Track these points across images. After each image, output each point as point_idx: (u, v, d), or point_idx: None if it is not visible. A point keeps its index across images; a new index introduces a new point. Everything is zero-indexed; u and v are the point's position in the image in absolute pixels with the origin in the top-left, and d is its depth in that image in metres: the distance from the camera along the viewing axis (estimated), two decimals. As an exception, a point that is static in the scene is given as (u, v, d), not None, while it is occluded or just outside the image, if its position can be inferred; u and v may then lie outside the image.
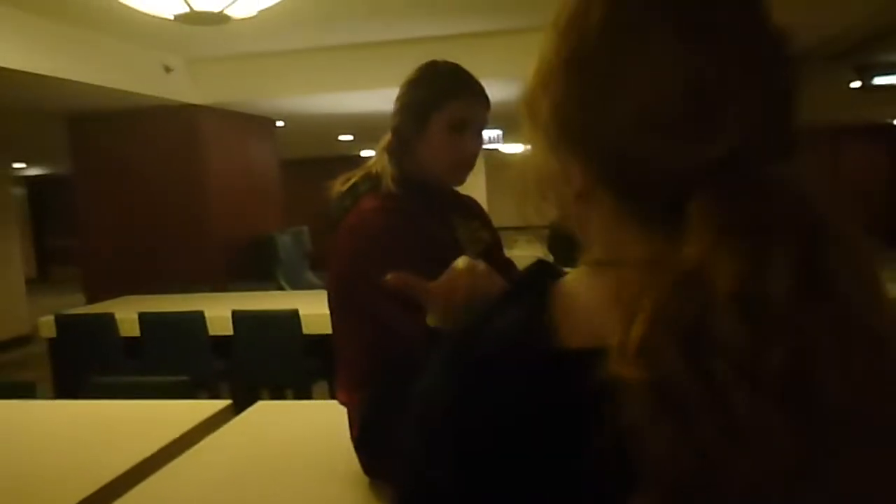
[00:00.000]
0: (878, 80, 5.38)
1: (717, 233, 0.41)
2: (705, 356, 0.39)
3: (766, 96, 0.46)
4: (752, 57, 0.46)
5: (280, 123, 7.33)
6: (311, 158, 12.17)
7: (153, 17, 2.58)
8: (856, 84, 5.58)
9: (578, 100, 0.48)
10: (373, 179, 1.50)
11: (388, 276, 1.01)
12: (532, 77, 0.53)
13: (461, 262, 0.96)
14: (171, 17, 2.46)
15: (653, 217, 0.46)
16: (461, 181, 1.52)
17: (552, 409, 0.45)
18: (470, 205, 1.67)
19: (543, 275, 0.54)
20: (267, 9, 2.64)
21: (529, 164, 0.54)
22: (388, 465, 1.47)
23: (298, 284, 6.21)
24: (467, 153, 1.46)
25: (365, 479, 1.49)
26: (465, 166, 1.48)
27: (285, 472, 1.61)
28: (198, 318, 3.78)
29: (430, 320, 1.01)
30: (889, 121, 11.93)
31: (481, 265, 1.05)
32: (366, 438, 1.49)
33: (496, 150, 12.74)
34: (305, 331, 3.68)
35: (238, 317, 3.75)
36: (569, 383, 0.45)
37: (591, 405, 0.41)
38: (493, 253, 1.64)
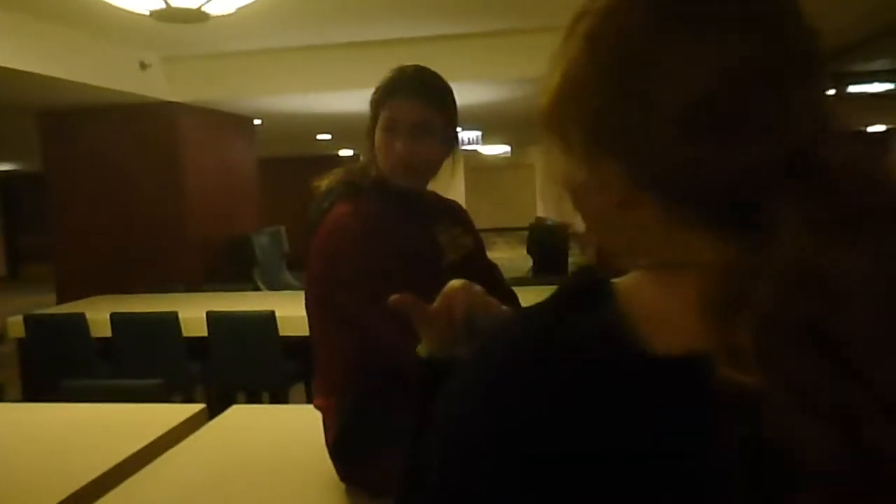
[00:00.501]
0: (852, 89, 5.47)
1: (819, 228, 0.41)
2: (843, 356, 0.39)
3: (823, 83, 0.46)
4: (806, 45, 0.46)
5: (258, 122, 7.27)
6: (289, 157, 12.10)
7: (129, 12, 2.54)
8: (831, 92, 5.65)
9: (622, 104, 0.47)
10: (351, 182, 1.49)
11: (391, 299, 0.99)
12: (556, 87, 0.51)
13: (456, 282, 0.95)
14: (147, 13, 2.42)
15: (717, 218, 0.45)
16: (411, 183, 1.48)
17: (658, 417, 0.44)
18: (453, 209, 1.66)
19: (595, 281, 0.52)
20: (245, 7, 2.62)
21: (559, 176, 0.53)
22: (363, 473, 1.45)
23: (275, 285, 6.16)
24: (395, 154, 1.42)
25: (341, 486, 1.48)
26: (403, 167, 1.44)
27: (260, 479, 1.59)
28: (171, 320, 3.73)
29: (423, 346, 0.99)
30: (862, 128, 12.14)
31: (476, 285, 1.04)
32: (342, 445, 1.47)
33: (475, 151, 12.77)
34: (282, 332, 3.64)
35: (213, 318, 3.70)
36: (672, 390, 0.43)
37: (701, 412, 0.40)
38: (475, 258, 1.64)
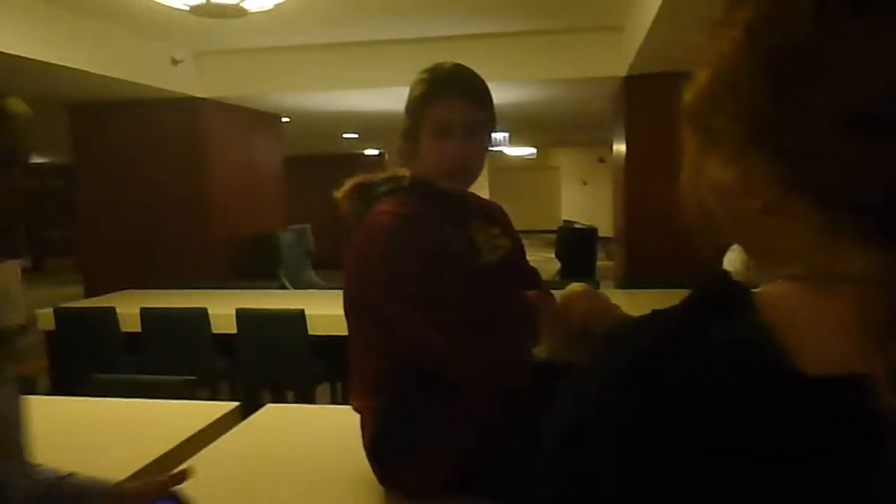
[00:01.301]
0: None
1: None
2: None
3: None
4: None
5: (285, 119, 7.28)
6: (314, 155, 12.13)
7: (162, 7, 2.53)
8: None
9: (782, 103, 0.43)
10: (390, 182, 1.47)
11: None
12: (707, 82, 0.48)
13: (576, 285, 0.92)
14: (187, 9, 2.41)
15: (873, 228, 0.42)
16: (460, 184, 1.47)
17: (813, 441, 0.40)
18: (491, 210, 1.63)
19: (732, 289, 0.49)
20: (279, 3, 2.60)
21: (701, 181, 0.50)
22: (401, 475, 1.43)
23: (300, 283, 6.16)
24: (451, 156, 1.40)
25: (379, 488, 1.45)
26: (455, 170, 1.42)
27: (297, 479, 1.57)
28: (201, 316, 3.73)
29: (543, 348, 0.96)
30: None
31: (596, 290, 1.00)
32: (379, 446, 1.45)
33: (500, 152, 12.73)
34: (310, 332, 3.62)
35: (242, 315, 3.69)
36: (828, 413, 0.40)
37: (860, 438, 0.38)
38: (514, 260, 1.60)
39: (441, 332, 1.33)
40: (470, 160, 1.42)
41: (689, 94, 0.50)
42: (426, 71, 1.46)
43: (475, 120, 1.41)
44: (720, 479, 0.41)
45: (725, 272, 0.51)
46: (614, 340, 0.52)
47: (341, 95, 6.04)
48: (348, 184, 1.49)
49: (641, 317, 0.52)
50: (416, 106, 1.42)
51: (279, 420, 2.01)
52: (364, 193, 1.46)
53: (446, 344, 1.33)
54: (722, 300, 0.47)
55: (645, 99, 5.16)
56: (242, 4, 2.45)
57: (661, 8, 3.19)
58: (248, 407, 2.09)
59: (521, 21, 4.87)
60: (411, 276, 1.33)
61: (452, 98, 1.40)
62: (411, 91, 1.45)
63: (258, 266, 6.22)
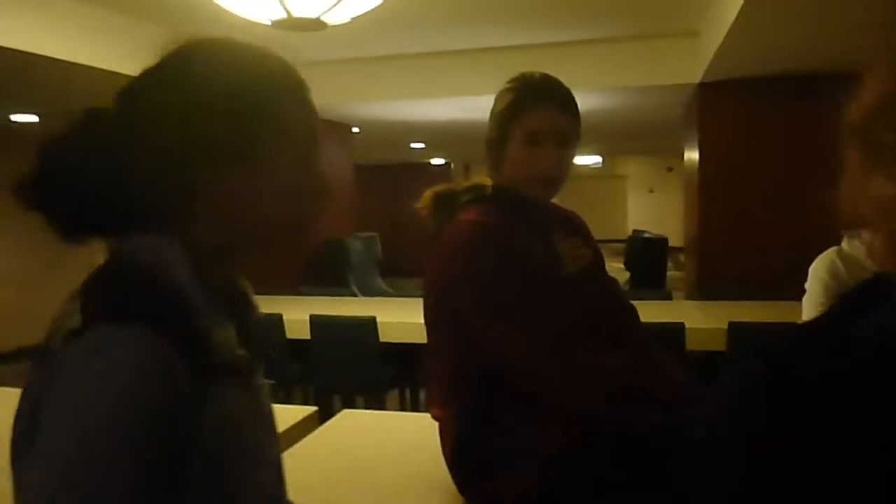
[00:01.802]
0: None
1: None
2: None
3: None
4: None
5: (355, 129, 7.40)
6: (382, 165, 12.26)
7: (241, 21, 2.61)
8: None
9: None
10: (472, 191, 1.47)
11: None
12: (873, 100, 0.48)
13: None
14: (269, 23, 2.48)
15: None
16: (547, 195, 1.47)
17: None
18: (572, 220, 1.62)
19: (877, 287, 0.50)
20: (356, 17, 2.65)
21: (863, 195, 0.49)
22: (481, 485, 1.42)
23: (369, 291, 6.24)
24: (541, 166, 1.40)
25: (459, 497, 1.45)
26: (543, 180, 1.43)
27: (377, 486, 1.58)
28: (275, 321, 3.82)
29: None
30: None
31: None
32: (459, 456, 1.45)
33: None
34: (381, 339, 3.66)
35: (316, 321, 3.76)
36: None
37: None
38: (595, 271, 1.59)
39: (525, 344, 1.32)
40: (560, 169, 1.43)
41: (855, 110, 0.49)
42: (513, 80, 1.47)
43: (566, 129, 1.43)
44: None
45: (879, 275, 0.51)
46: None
47: (410, 105, 6.11)
48: (429, 193, 1.51)
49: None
50: (506, 115, 1.42)
51: (355, 425, 2.04)
52: (446, 202, 1.48)
53: (532, 358, 1.32)
54: (863, 298, 0.46)
55: (719, 106, 5.04)
56: (322, 18, 2.51)
57: (742, 11, 3.11)
58: (321, 411, 2.12)
59: (593, 29, 4.82)
60: (498, 287, 1.33)
61: (545, 107, 1.41)
62: (498, 101, 1.46)
63: (328, 273, 6.33)
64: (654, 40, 5.01)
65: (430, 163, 12.95)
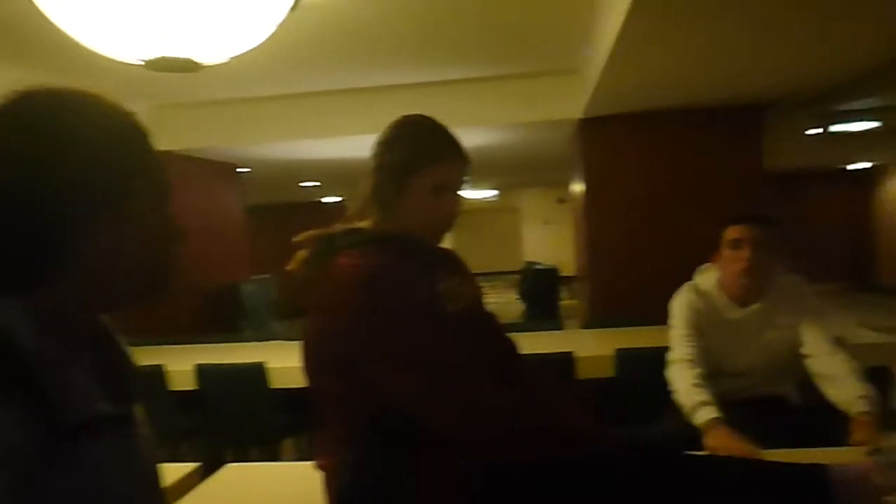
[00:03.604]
0: (837, 128, 5.55)
1: None
2: None
3: None
4: None
5: (246, 170, 7.24)
6: (275, 204, 12.07)
7: (116, 64, 2.51)
8: (815, 131, 5.76)
9: None
10: (352, 234, 1.45)
11: None
12: None
13: None
14: (142, 63, 2.38)
15: None
16: (441, 241, 1.51)
17: None
18: (451, 260, 1.63)
19: None
20: (234, 57, 2.59)
21: None
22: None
23: (265, 335, 6.03)
24: (449, 215, 1.47)
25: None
26: (446, 228, 1.49)
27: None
28: (157, 373, 3.62)
29: None
30: (845, 165, 12.35)
31: None
32: (346, 506, 1.40)
33: (463, 196, 12.80)
34: (274, 385, 3.54)
35: (202, 371, 3.60)
36: None
37: None
38: (476, 308, 1.60)
39: (421, 389, 1.30)
40: (457, 217, 1.49)
41: None
42: (400, 129, 1.47)
43: (464, 179, 1.49)
44: None
45: None
46: None
47: (301, 145, 6.05)
48: (307, 235, 1.48)
49: None
50: (408, 165, 1.42)
51: (239, 480, 1.94)
52: (325, 245, 1.45)
53: (428, 401, 1.31)
54: None
55: (601, 140, 5.26)
56: (196, 59, 2.43)
57: (613, 51, 3.27)
58: (212, 466, 2.02)
59: (479, 68, 4.95)
60: (387, 333, 1.32)
61: (455, 160, 1.46)
62: (386, 150, 1.45)
63: (221, 318, 6.11)
64: (538, 78, 5.20)
65: (323, 201, 12.85)
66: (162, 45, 2.29)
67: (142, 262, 0.87)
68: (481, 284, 1.70)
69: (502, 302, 9.33)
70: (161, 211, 0.91)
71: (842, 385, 2.11)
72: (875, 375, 2.78)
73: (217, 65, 2.60)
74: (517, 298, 8.60)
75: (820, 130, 5.64)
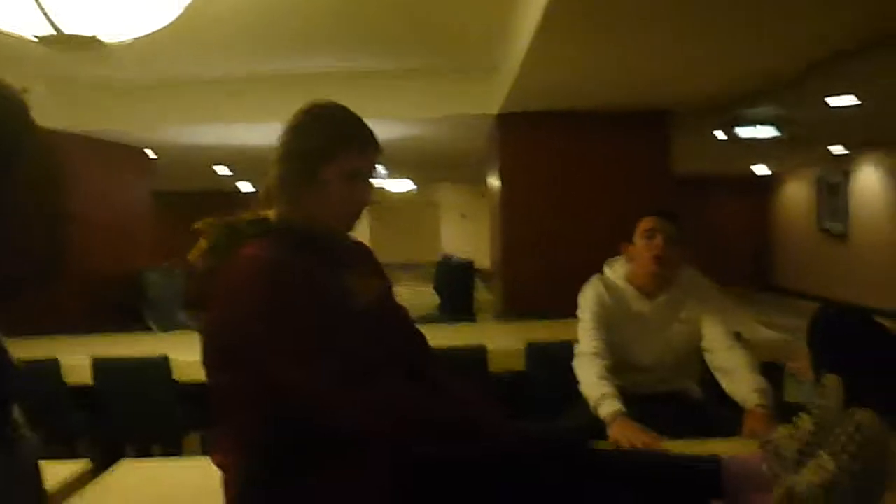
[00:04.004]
0: (742, 133, 5.81)
1: None
2: None
3: None
4: None
5: (153, 155, 6.96)
6: (188, 192, 11.68)
7: (12, 35, 2.36)
8: (722, 136, 6.01)
9: None
10: (258, 224, 1.41)
11: None
12: None
13: None
14: (35, 40, 2.24)
15: None
16: (352, 229, 1.48)
17: None
18: (360, 251, 1.61)
19: None
20: (144, 36, 2.48)
21: None
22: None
23: (170, 326, 5.81)
24: (362, 202, 1.44)
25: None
26: (357, 215, 1.46)
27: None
28: (52, 366, 3.43)
29: None
30: (747, 171, 12.97)
31: None
32: (245, 504, 1.36)
33: (381, 188, 12.75)
34: (178, 378, 3.41)
35: (100, 365, 3.43)
36: None
37: None
38: (385, 300, 1.58)
39: (323, 383, 1.27)
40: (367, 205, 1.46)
41: None
42: (310, 115, 1.43)
43: (376, 167, 1.47)
44: None
45: None
46: None
47: (212, 130, 5.86)
48: (208, 222, 1.42)
49: None
50: (321, 152, 1.39)
51: (136, 476, 1.86)
52: (228, 234, 1.39)
53: (333, 396, 1.28)
54: None
55: (517, 136, 5.33)
56: (99, 37, 2.30)
57: (529, 51, 3.30)
58: (109, 464, 1.93)
59: (396, 60, 4.92)
60: (292, 327, 1.28)
61: (370, 147, 1.43)
62: (295, 137, 1.41)
63: (124, 309, 5.85)
64: (457, 73, 5.21)
65: (238, 189, 12.52)
66: (62, 21, 2.16)
67: (23, 249, 0.80)
68: (398, 276, 1.68)
69: (417, 294, 9.34)
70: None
71: (738, 378, 2.20)
72: (770, 370, 2.93)
73: (123, 44, 2.48)
74: (432, 291, 8.61)
75: (725, 137, 5.89)
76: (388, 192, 14.30)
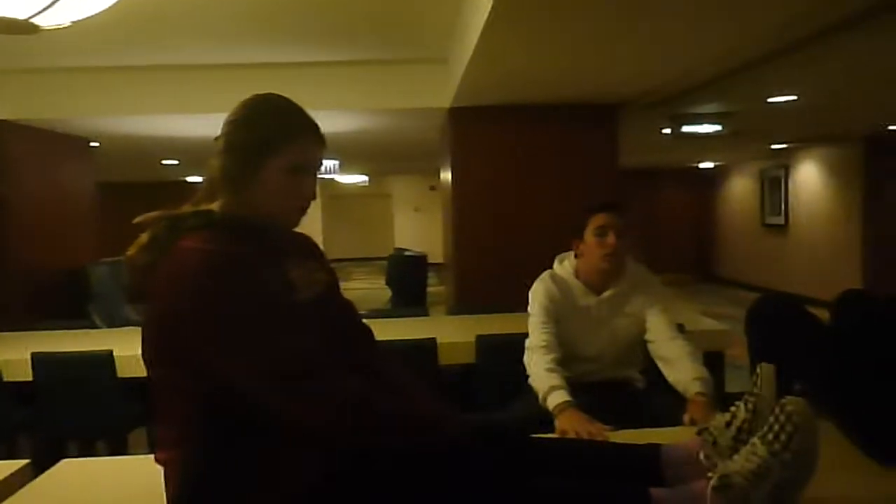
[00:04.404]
0: (686, 129, 5.95)
1: None
2: None
3: None
4: None
5: (95, 144, 6.77)
6: (134, 183, 11.41)
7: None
8: (667, 131, 6.14)
9: None
10: (199, 217, 1.39)
11: None
12: None
13: None
14: (-35, 22, 2.16)
15: None
16: (297, 224, 1.47)
17: None
18: (304, 244, 1.60)
19: None
20: (83, 21, 2.41)
21: None
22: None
23: (116, 321, 5.68)
24: (307, 196, 1.42)
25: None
26: (303, 210, 1.44)
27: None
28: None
29: None
30: (694, 164, 13.26)
31: None
32: (186, 501, 1.35)
33: (332, 180, 12.65)
34: (122, 374, 3.33)
35: (39, 360, 3.33)
36: None
37: None
38: (330, 294, 1.57)
39: (268, 377, 1.27)
40: (313, 199, 1.44)
41: None
42: (252, 108, 1.41)
43: (322, 159, 1.45)
44: None
45: None
46: None
47: (156, 120, 5.73)
48: (149, 216, 1.40)
49: None
50: (264, 146, 1.37)
51: (77, 476, 1.82)
52: (170, 227, 1.37)
53: (275, 389, 1.27)
54: None
55: (469, 130, 5.34)
56: (34, 20, 2.23)
57: (478, 44, 3.32)
58: (49, 462, 1.87)
59: (346, 51, 4.88)
60: (231, 319, 1.26)
61: (312, 140, 1.41)
62: (237, 129, 1.39)
63: (66, 303, 5.68)
64: (408, 65, 5.20)
65: (186, 180, 12.28)
66: (-5, 3, 2.09)
67: None
68: (350, 271, 1.68)
69: (370, 288, 9.30)
70: None
71: (680, 368, 2.27)
72: (712, 359, 3.02)
73: (61, 28, 2.41)
74: (385, 284, 8.60)
75: (670, 131, 6.02)
76: (340, 183, 14.20)
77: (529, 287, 2.56)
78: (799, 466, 1.28)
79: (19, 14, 2.18)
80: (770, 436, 1.29)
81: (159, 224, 1.37)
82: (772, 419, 1.31)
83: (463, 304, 4.97)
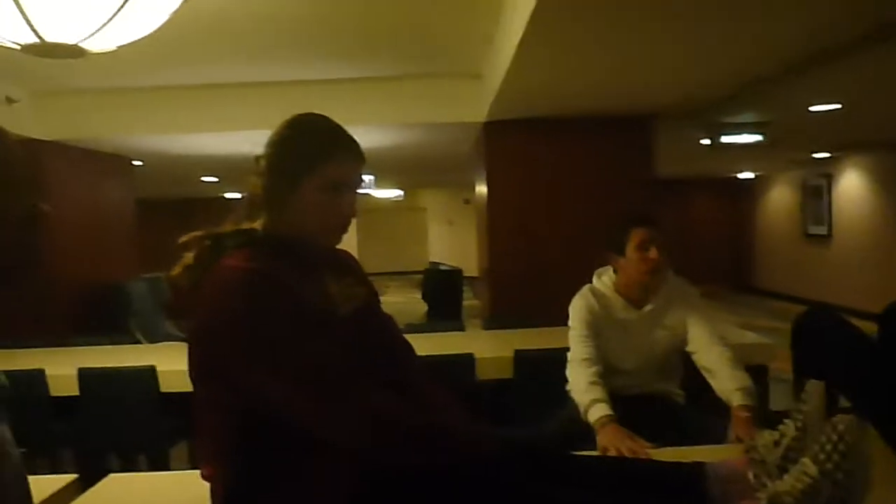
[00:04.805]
0: (726, 139, 5.86)
1: None
2: None
3: None
4: None
5: (138, 163, 6.93)
6: (172, 199, 11.62)
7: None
8: (706, 141, 6.06)
9: None
10: (240, 235, 1.41)
11: None
12: None
13: None
14: (17, 48, 2.23)
15: None
16: (338, 242, 1.48)
17: None
18: (343, 260, 1.61)
19: None
20: (129, 44, 2.47)
21: None
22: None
23: (155, 336, 5.78)
24: (345, 215, 1.42)
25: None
26: (343, 228, 1.44)
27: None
28: (37, 377, 3.40)
29: None
30: (731, 174, 13.06)
31: None
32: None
33: (367, 194, 12.74)
34: (164, 388, 3.39)
35: (85, 374, 3.40)
36: None
37: None
38: (370, 309, 1.58)
39: (302, 394, 1.27)
40: (352, 218, 1.44)
41: None
42: (293, 127, 1.43)
43: (361, 178, 1.46)
44: None
45: None
46: None
47: (197, 138, 5.84)
48: (193, 236, 1.42)
49: None
50: (296, 165, 1.38)
51: (123, 491, 1.85)
52: (213, 246, 1.40)
53: (308, 406, 1.28)
54: None
55: (504, 143, 5.34)
56: (81, 45, 2.29)
57: (514, 58, 3.32)
58: (93, 476, 1.91)
59: (381, 67, 4.92)
60: (268, 337, 1.28)
61: (350, 158, 1.42)
62: (279, 149, 1.41)
63: (107, 319, 5.80)
64: (443, 79, 5.23)
65: (224, 197, 12.47)
66: (46, 30, 2.15)
67: None
68: (386, 285, 1.68)
69: (405, 302, 9.30)
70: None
71: (721, 377, 2.23)
72: (755, 373, 2.95)
73: (105, 53, 2.47)
74: (420, 299, 8.61)
75: (709, 141, 5.94)
76: (375, 198, 14.28)
77: (564, 300, 2.55)
78: (851, 486, 1.25)
79: (68, 39, 2.24)
80: (822, 455, 1.26)
81: (203, 243, 1.39)
82: (823, 438, 1.27)
83: (497, 318, 4.95)
